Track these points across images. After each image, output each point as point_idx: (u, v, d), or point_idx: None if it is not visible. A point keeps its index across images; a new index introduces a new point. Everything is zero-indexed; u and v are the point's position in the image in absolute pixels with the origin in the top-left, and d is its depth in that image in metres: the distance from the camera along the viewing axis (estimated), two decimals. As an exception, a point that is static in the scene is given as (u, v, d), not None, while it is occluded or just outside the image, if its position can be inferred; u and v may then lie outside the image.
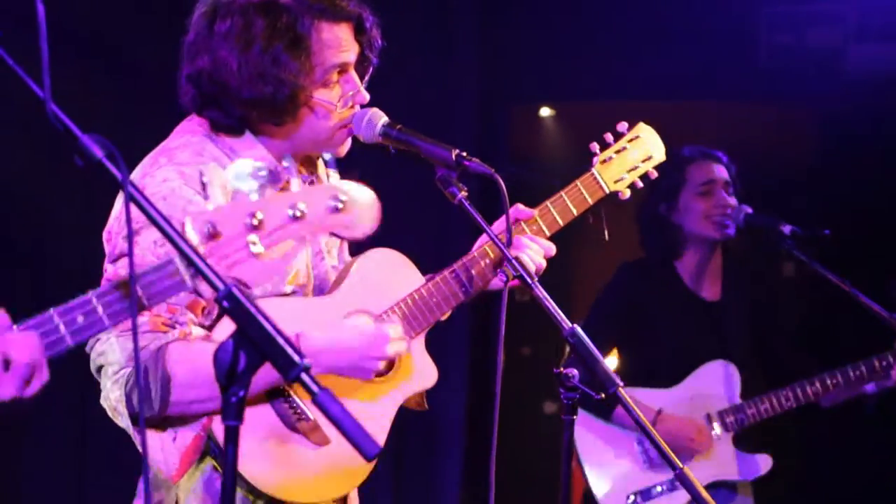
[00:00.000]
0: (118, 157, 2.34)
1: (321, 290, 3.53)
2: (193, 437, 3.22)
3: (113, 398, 3.19)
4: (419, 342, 3.55)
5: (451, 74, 7.16)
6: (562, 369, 3.28)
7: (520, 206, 3.67)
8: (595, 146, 3.81)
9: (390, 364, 3.49)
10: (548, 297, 3.28)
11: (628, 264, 6.05)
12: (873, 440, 7.17)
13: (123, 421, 3.22)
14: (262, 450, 3.27)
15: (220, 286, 2.31)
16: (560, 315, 3.27)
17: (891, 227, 7.14)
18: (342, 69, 3.37)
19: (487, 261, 3.58)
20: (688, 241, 5.87)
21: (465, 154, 3.37)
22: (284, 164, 3.40)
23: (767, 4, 7.39)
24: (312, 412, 3.31)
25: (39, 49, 2.25)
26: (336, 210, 2.44)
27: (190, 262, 2.35)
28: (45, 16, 2.31)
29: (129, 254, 2.37)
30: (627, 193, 3.82)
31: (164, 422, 3.20)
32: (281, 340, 2.30)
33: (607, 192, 3.78)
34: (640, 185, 3.85)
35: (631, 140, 3.85)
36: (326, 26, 3.32)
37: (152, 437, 3.22)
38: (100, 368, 3.23)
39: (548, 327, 3.35)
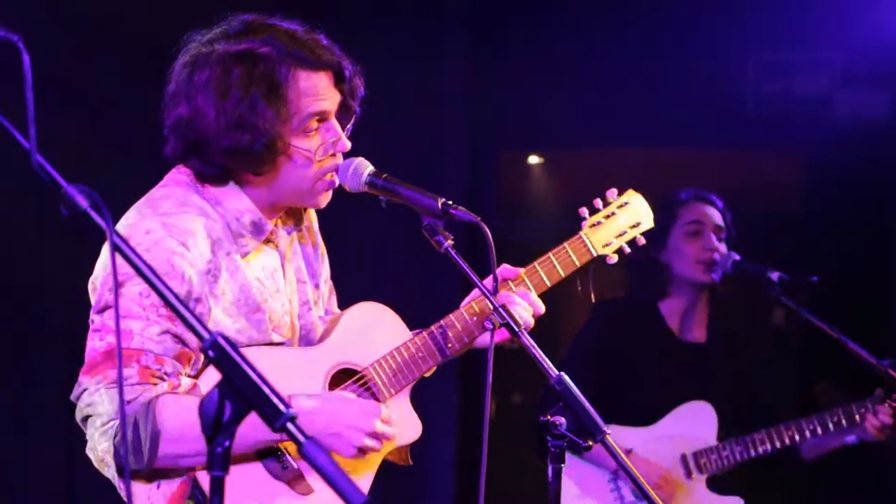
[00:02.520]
0: (103, 207, 2.34)
1: (307, 340, 3.54)
2: (179, 484, 3.25)
3: (101, 449, 3.20)
4: (404, 395, 3.55)
5: (440, 122, 7.18)
6: (549, 417, 3.28)
7: (506, 265, 3.67)
8: (584, 210, 3.84)
9: None
10: (535, 346, 3.28)
11: (604, 304, 6.04)
12: (849, 485, 7.15)
13: (110, 472, 3.24)
14: (248, 501, 3.27)
15: (206, 336, 2.30)
16: (547, 363, 3.27)
17: (879, 273, 7.16)
18: (321, 117, 3.37)
19: (475, 318, 3.60)
20: (674, 283, 5.89)
21: (451, 202, 3.37)
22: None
23: (755, 53, 7.43)
24: (297, 462, 3.33)
25: (25, 99, 2.25)
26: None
27: (176, 312, 2.35)
28: (32, 66, 2.31)
29: (115, 305, 2.37)
30: (615, 258, 3.84)
31: (152, 474, 3.23)
32: (266, 389, 2.29)
33: (595, 255, 3.80)
34: (628, 250, 3.88)
35: (620, 206, 3.88)
36: (304, 74, 3.32)
37: (138, 485, 3.24)
38: (86, 418, 3.24)
39: (538, 375, 3.35)
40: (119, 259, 2.35)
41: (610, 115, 7.34)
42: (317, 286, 3.63)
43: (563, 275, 3.74)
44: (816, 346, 6.12)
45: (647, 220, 3.92)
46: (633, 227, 3.88)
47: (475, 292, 3.63)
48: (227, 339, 2.30)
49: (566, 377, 3.25)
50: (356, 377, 3.51)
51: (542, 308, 3.63)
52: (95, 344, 3.25)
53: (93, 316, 3.29)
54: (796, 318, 5.73)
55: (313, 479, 3.36)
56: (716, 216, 5.91)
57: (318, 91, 3.34)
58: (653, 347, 5.87)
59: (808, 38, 7.26)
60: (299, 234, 3.60)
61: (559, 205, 8.42)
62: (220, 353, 2.30)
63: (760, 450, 5.63)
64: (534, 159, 8.45)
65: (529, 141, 8.08)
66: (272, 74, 3.27)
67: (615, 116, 7.34)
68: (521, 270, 3.68)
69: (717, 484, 5.73)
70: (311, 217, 3.67)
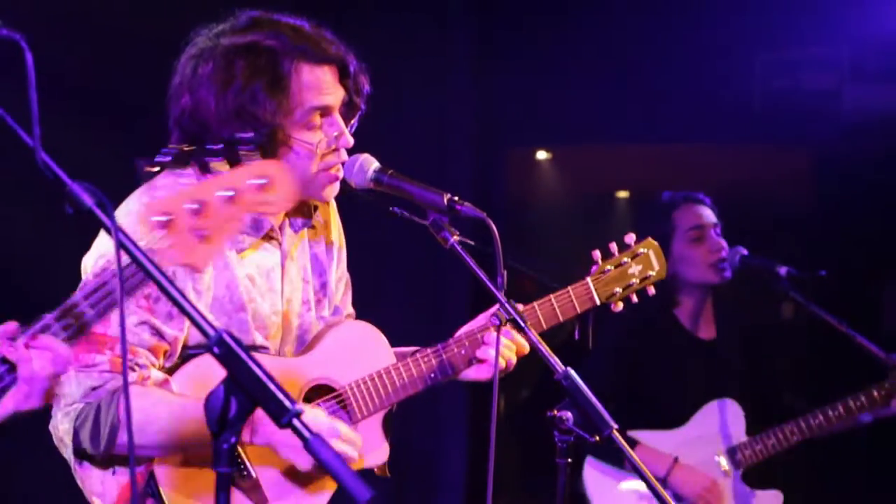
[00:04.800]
0: (108, 205, 2.34)
1: (303, 341, 3.53)
2: (135, 473, 3.23)
3: (61, 429, 3.20)
4: (377, 419, 3.53)
5: (447, 118, 7.18)
6: (556, 412, 3.28)
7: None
8: (597, 254, 3.77)
9: None
10: (541, 341, 3.28)
11: (623, 313, 6.07)
12: (877, 467, 7.14)
13: (67, 452, 3.23)
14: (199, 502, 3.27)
15: (211, 332, 2.30)
16: (553, 358, 3.27)
17: (888, 266, 7.15)
18: (325, 112, 3.37)
19: (463, 351, 3.60)
20: (684, 289, 5.88)
21: (456, 198, 3.38)
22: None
23: (762, 49, 7.42)
24: (254, 471, 3.30)
25: (29, 97, 2.26)
26: (262, 188, 2.47)
27: (181, 309, 2.35)
28: (36, 64, 2.31)
29: (121, 306, 2.36)
30: (620, 306, 3.79)
31: (109, 460, 3.22)
32: (272, 386, 2.29)
33: (598, 303, 3.73)
34: (636, 300, 3.81)
35: (635, 256, 3.80)
36: (308, 68, 3.33)
37: (94, 469, 3.23)
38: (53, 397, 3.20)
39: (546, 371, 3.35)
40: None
41: (618, 111, 7.33)
42: (323, 285, 3.61)
43: (561, 319, 3.69)
44: (822, 340, 6.11)
45: (661, 272, 3.85)
46: (644, 279, 3.80)
47: (473, 323, 3.64)
48: (232, 335, 2.30)
49: (572, 372, 3.25)
50: (333, 395, 3.48)
51: (527, 349, 3.56)
52: None
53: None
54: (804, 312, 5.73)
55: (269, 490, 3.33)
56: (710, 215, 5.91)
57: (321, 85, 3.35)
58: (672, 348, 5.88)
59: (816, 33, 7.25)
60: (311, 232, 3.59)
61: (567, 201, 8.43)
62: (226, 350, 2.30)
63: (793, 440, 5.66)
64: (541, 155, 8.45)
65: (537, 137, 8.07)
66: (275, 66, 3.29)
67: (623, 113, 7.34)
68: (520, 308, 3.58)
69: (751, 477, 5.76)
70: (330, 213, 3.65)
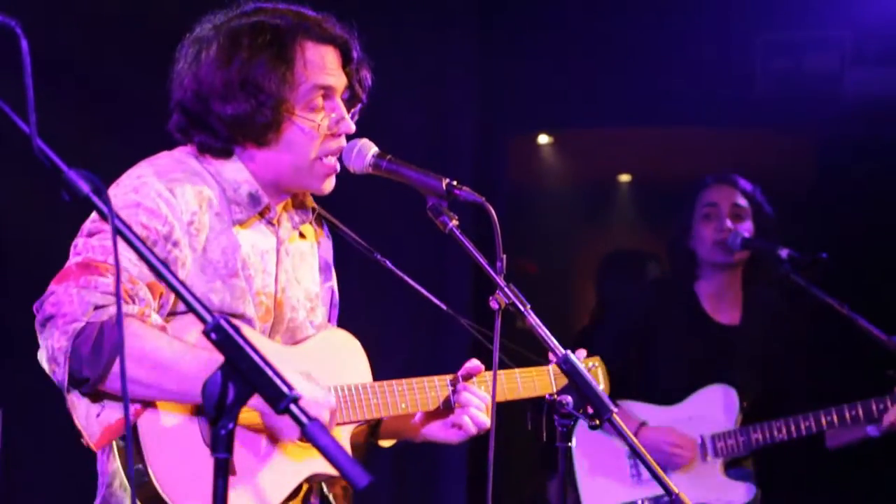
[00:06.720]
0: (104, 191, 2.34)
1: (292, 336, 3.48)
2: (117, 420, 3.11)
3: (56, 346, 3.02)
4: (346, 431, 3.49)
5: (450, 103, 7.18)
6: (555, 396, 3.28)
7: (475, 360, 3.65)
8: (552, 355, 3.79)
9: None
10: (541, 325, 3.29)
11: (643, 284, 6.10)
12: (867, 479, 7.12)
13: (59, 372, 3.04)
14: (181, 469, 3.15)
15: (209, 319, 2.30)
16: (553, 342, 3.28)
17: (889, 250, 7.15)
18: (327, 94, 3.36)
19: (436, 392, 3.59)
20: (702, 267, 5.92)
21: (455, 183, 3.37)
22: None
23: (764, 30, 7.41)
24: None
25: (25, 85, 2.26)
26: None
27: (175, 292, 2.35)
28: (33, 51, 2.31)
29: (117, 289, 2.37)
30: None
31: (98, 394, 3.09)
32: (269, 372, 2.29)
33: (552, 391, 3.67)
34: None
35: (588, 368, 3.77)
36: (312, 46, 3.34)
37: (80, 403, 3.12)
38: (49, 319, 3.06)
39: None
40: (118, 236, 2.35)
41: (619, 94, 7.33)
42: (315, 295, 3.57)
43: (520, 394, 3.75)
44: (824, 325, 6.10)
45: (606, 389, 3.90)
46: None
47: (464, 368, 3.64)
48: (229, 322, 2.30)
49: (572, 356, 3.26)
50: None
51: (489, 398, 3.60)
52: (71, 261, 3.14)
53: (76, 241, 3.19)
54: (806, 295, 5.73)
55: (238, 462, 3.20)
56: (734, 196, 5.92)
57: (325, 64, 3.35)
58: (685, 328, 5.89)
59: (817, 15, 7.24)
60: (302, 238, 3.57)
61: (569, 184, 8.43)
62: (224, 336, 2.30)
63: (777, 437, 5.64)
64: (543, 139, 8.45)
65: (539, 121, 8.07)
66: (279, 42, 3.30)
67: (624, 96, 7.34)
68: (482, 368, 3.63)
69: (733, 468, 5.76)
70: (321, 235, 3.65)
